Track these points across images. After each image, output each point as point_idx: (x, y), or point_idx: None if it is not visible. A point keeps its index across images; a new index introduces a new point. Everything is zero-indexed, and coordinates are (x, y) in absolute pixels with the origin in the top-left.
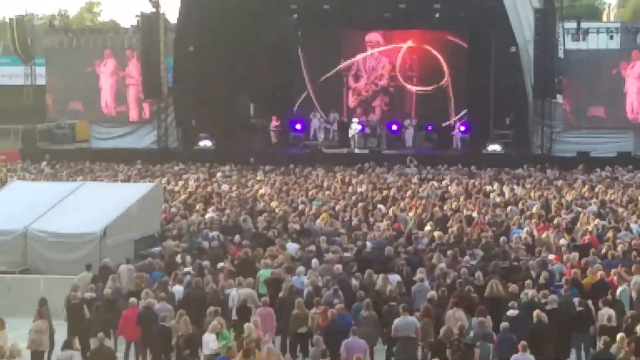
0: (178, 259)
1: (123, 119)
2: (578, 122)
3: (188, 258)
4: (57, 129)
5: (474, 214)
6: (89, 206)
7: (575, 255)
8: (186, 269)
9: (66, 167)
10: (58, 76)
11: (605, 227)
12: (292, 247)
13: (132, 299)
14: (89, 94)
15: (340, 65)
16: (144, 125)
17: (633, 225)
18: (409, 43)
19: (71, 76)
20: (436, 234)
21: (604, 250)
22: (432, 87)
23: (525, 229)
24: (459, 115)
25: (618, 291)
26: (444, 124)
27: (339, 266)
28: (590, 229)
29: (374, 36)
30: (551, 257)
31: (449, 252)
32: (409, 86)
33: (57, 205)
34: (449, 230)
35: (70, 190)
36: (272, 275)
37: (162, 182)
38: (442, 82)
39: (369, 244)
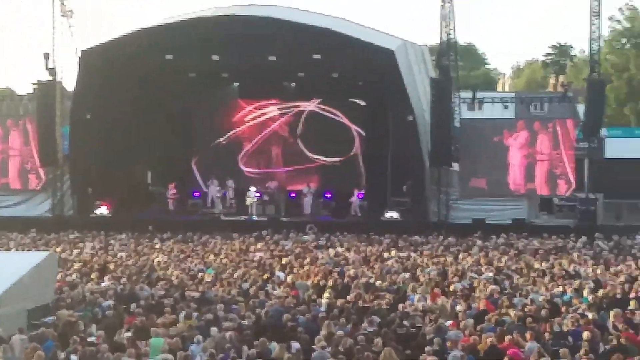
0: (81, 327)
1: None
2: (464, 192)
3: (93, 328)
4: None
5: (372, 281)
6: None
7: (470, 321)
8: (90, 339)
9: None
10: None
11: (501, 293)
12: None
13: None
14: None
15: (237, 132)
16: (39, 193)
17: (534, 295)
18: (311, 108)
19: None
20: (334, 300)
21: (497, 317)
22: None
23: (421, 295)
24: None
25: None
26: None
27: (236, 334)
28: (486, 296)
29: (272, 104)
30: (448, 323)
31: (342, 320)
32: (309, 153)
33: None
34: (347, 297)
35: None
36: (169, 344)
37: (57, 250)
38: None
39: (267, 311)
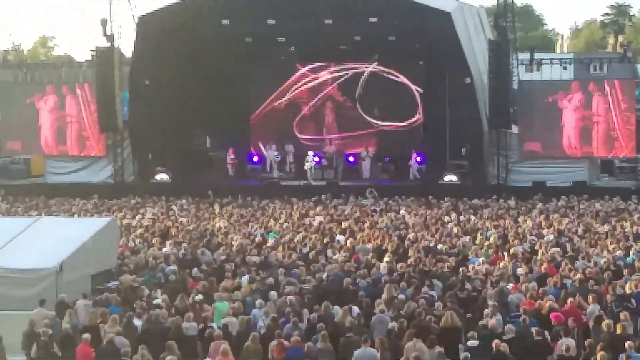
0: (145, 292)
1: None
2: (520, 154)
3: (158, 293)
4: (12, 164)
5: (432, 244)
6: (45, 241)
7: (533, 284)
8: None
9: (21, 202)
10: (9, 111)
11: (563, 256)
12: (245, 279)
13: (86, 335)
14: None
15: (294, 96)
16: (100, 159)
17: (596, 258)
18: (370, 69)
19: (21, 111)
20: (394, 264)
21: (559, 280)
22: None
23: (482, 259)
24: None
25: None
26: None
27: (298, 298)
28: (547, 259)
29: (329, 67)
30: (510, 286)
31: (402, 284)
32: (368, 118)
33: (12, 241)
34: (408, 261)
35: (25, 226)
36: (232, 309)
37: (119, 216)
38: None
39: (327, 275)
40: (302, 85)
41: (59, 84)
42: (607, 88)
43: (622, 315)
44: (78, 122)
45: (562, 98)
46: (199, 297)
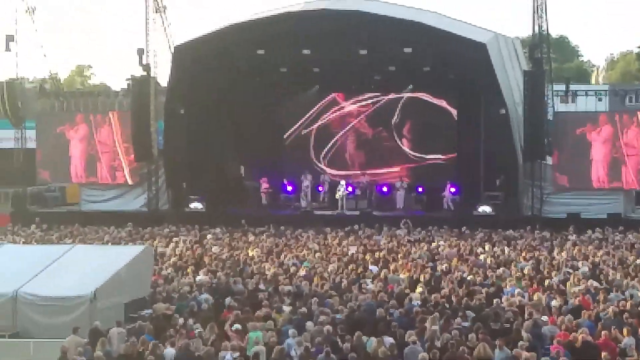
0: (179, 321)
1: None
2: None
3: (190, 321)
4: (48, 192)
5: (466, 275)
6: (79, 269)
7: (569, 317)
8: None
9: (56, 230)
10: (44, 140)
11: (597, 288)
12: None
13: None
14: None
15: (329, 127)
16: (135, 188)
17: (631, 290)
18: (408, 95)
19: (53, 140)
20: (428, 295)
21: (590, 312)
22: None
23: (516, 290)
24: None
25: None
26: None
27: (330, 328)
28: (582, 291)
29: (364, 97)
30: (544, 318)
31: (437, 314)
32: (404, 147)
33: (47, 269)
34: (441, 292)
35: (60, 253)
36: (265, 338)
37: (153, 244)
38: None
39: (359, 305)
40: (336, 115)
41: (89, 112)
42: (636, 120)
43: None
44: (110, 150)
45: (591, 130)
46: (237, 326)
